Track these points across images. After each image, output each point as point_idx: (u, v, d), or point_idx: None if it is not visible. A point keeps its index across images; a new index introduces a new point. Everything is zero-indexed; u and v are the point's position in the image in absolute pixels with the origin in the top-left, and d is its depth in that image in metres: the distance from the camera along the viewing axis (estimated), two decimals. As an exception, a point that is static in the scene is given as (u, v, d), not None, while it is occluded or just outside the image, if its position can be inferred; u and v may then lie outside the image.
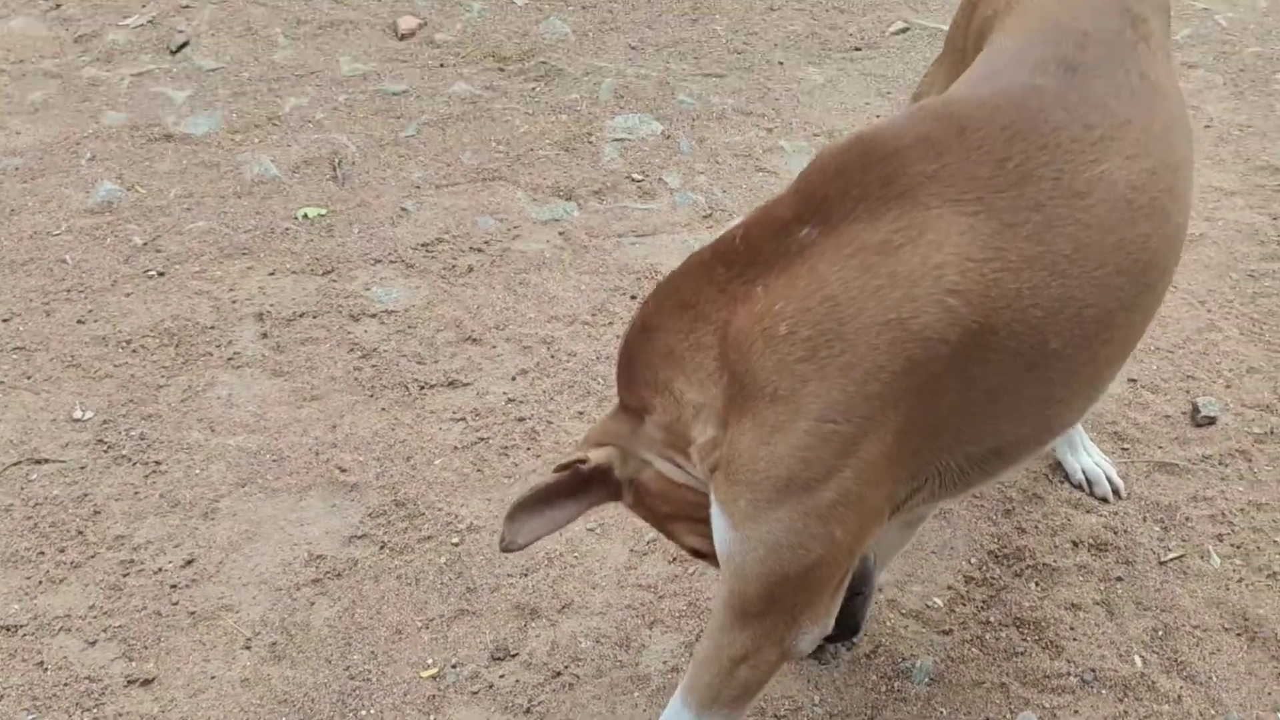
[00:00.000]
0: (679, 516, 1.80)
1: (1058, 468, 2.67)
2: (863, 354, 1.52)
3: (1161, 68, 1.84)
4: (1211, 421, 2.78)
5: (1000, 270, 1.55)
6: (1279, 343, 2.97)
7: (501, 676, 2.24)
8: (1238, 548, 2.52)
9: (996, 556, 2.50)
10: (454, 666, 2.26)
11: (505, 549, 1.77)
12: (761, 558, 1.60)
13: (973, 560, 2.49)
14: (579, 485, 1.77)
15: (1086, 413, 1.83)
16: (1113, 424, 2.77)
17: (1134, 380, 2.87)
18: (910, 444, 1.59)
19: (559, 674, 2.25)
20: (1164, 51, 1.89)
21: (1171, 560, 2.50)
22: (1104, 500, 2.64)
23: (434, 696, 2.21)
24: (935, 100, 1.75)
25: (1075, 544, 2.53)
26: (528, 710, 2.19)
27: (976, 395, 1.61)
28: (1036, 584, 2.45)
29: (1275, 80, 3.81)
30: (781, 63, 3.77)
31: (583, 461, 1.75)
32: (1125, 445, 2.73)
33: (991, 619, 2.38)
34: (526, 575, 2.43)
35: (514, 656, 2.28)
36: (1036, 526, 2.56)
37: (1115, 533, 2.55)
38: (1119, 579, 2.46)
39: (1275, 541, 2.53)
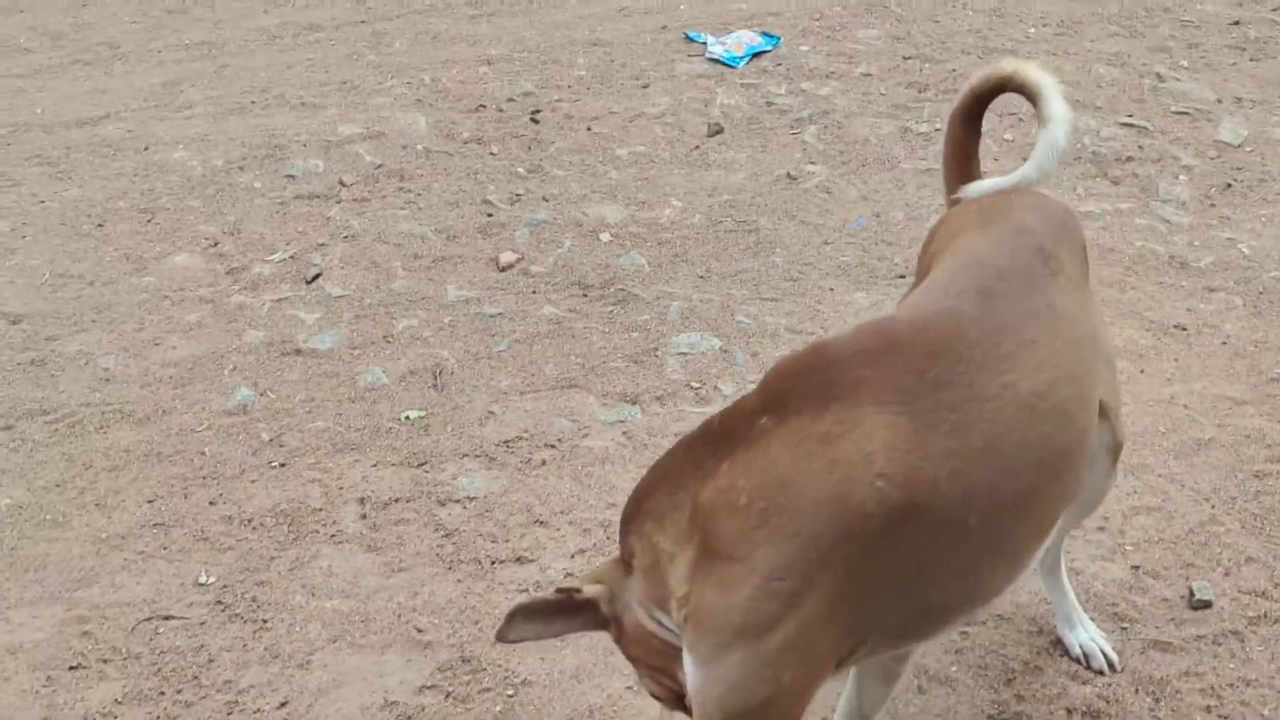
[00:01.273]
0: (644, 660, 2.13)
1: (1058, 642, 2.93)
2: (806, 524, 1.87)
3: (1070, 296, 2.23)
4: (1207, 605, 3.01)
5: (921, 459, 1.90)
6: (1278, 536, 3.21)
7: (541, 809, 2.57)
8: (1224, 718, 2.73)
9: (995, 720, 2.75)
10: (500, 799, 2.60)
11: (498, 639, 2.13)
12: (720, 695, 1.92)
13: (972, 723, 2.74)
14: (573, 610, 2.12)
15: (1012, 583, 2.14)
16: (1113, 605, 3.03)
17: (1136, 567, 3.13)
18: (849, 602, 1.91)
19: (592, 809, 2.57)
20: (1075, 284, 2.29)
21: (1160, 729, 2.72)
22: (1099, 673, 2.87)
23: (480, 823, 2.54)
24: (878, 319, 2.16)
25: (1069, 711, 2.77)
26: (561, 837, 2.50)
27: (907, 563, 1.94)
28: (1031, 746, 2.69)
29: (1299, 302, 4.12)
30: (832, 289, 4.23)
31: (577, 591, 2.12)
32: (1124, 625, 2.98)
33: (986, 776, 2.62)
34: (570, 723, 2.77)
35: (553, 792, 2.61)
36: (1035, 694, 2.81)
37: (1108, 702, 2.78)
38: (1108, 744, 2.69)
39: (1262, 714, 2.73)
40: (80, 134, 5.69)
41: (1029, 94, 2.46)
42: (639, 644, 2.13)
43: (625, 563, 2.11)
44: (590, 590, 2.13)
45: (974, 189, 2.53)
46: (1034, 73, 2.45)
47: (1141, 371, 3.84)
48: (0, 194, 5.16)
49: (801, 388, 1.96)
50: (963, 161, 2.69)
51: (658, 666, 2.10)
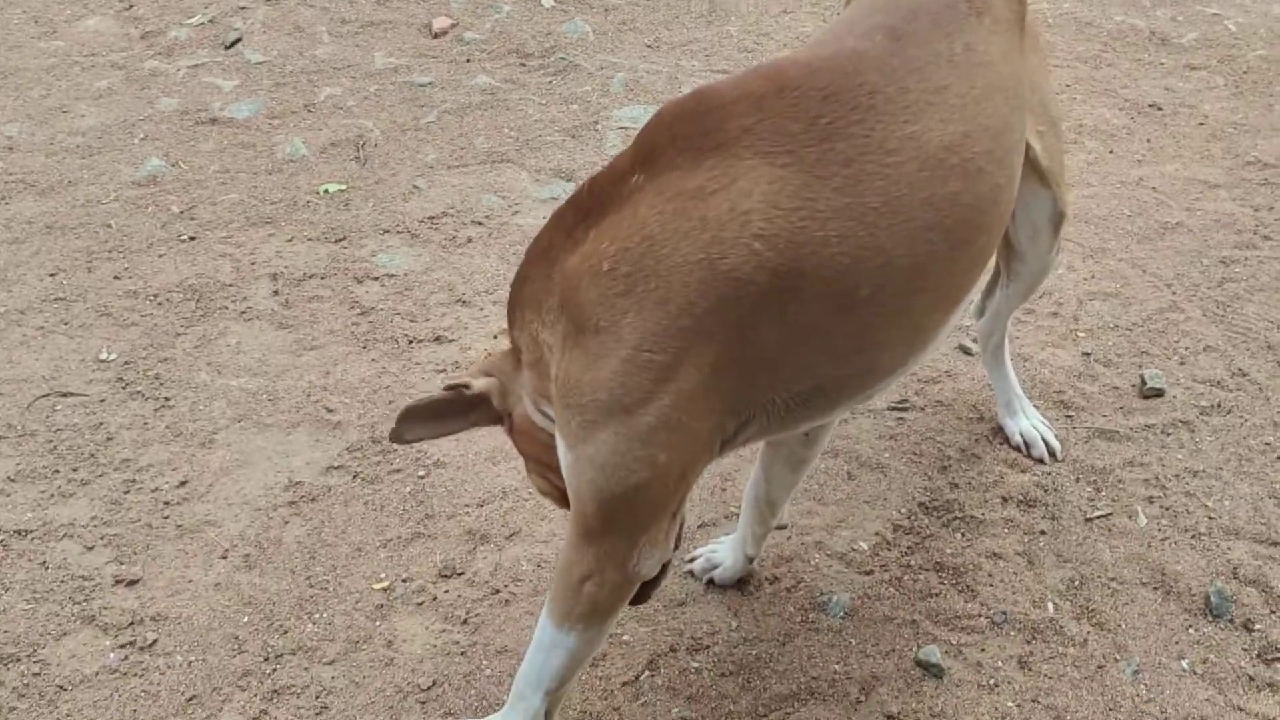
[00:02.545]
0: (533, 455, 1.98)
1: (999, 430, 2.80)
2: (676, 290, 1.67)
3: (995, 39, 1.96)
4: (1159, 394, 2.87)
5: (806, 219, 1.68)
6: (1240, 325, 3.04)
7: (446, 591, 2.45)
8: (1166, 509, 2.61)
9: (926, 508, 2.63)
10: (404, 581, 2.48)
11: (392, 439, 1.97)
12: (591, 478, 1.76)
13: (903, 510, 2.62)
14: (465, 406, 1.96)
15: (915, 359, 1.95)
16: (1060, 393, 2.88)
17: (1088, 354, 2.98)
18: (729, 377, 1.73)
19: (498, 591, 2.45)
20: (1003, 26, 2.01)
21: (1098, 518, 2.60)
22: (1040, 461, 2.75)
23: (382, 606, 2.43)
24: (769, 61, 1.91)
25: (1005, 499, 2.65)
26: (465, 621, 2.39)
27: (792, 335, 1.74)
28: (962, 534, 2.57)
29: (1278, 82, 3.87)
30: (790, 61, 3.96)
31: (466, 387, 1.94)
32: (1070, 413, 2.84)
33: (912, 563, 2.51)
34: (482, 506, 2.64)
35: (460, 575, 2.49)
36: (970, 482, 2.69)
37: (1045, 490, 2.66)
38: (1043, 532, 2.57)
39: (1206, 505, 2.62)
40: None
41: None
42: (526, 438, 1.98)
43: (515, 354, 1.94)
44: (480, 384, 1.97)
45: None
46: None
47: (1111, 152, 3.62)
48: (-98, -49, 4.80)
49: (678, 139, 1.72)
50: None
51: (545, 462, 1.94)
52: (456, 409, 1.97)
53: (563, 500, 1.96)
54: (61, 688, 2.28)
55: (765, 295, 1.69)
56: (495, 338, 3.03)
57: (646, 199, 1.71)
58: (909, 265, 1.77)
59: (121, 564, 2.52)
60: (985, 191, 1.84)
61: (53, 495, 2.67)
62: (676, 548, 2.04)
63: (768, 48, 4.02)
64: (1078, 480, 2.68)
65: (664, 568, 1.98)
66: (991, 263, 2.49)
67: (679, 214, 1.69)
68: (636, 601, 2.00)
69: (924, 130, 1.77)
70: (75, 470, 2.73)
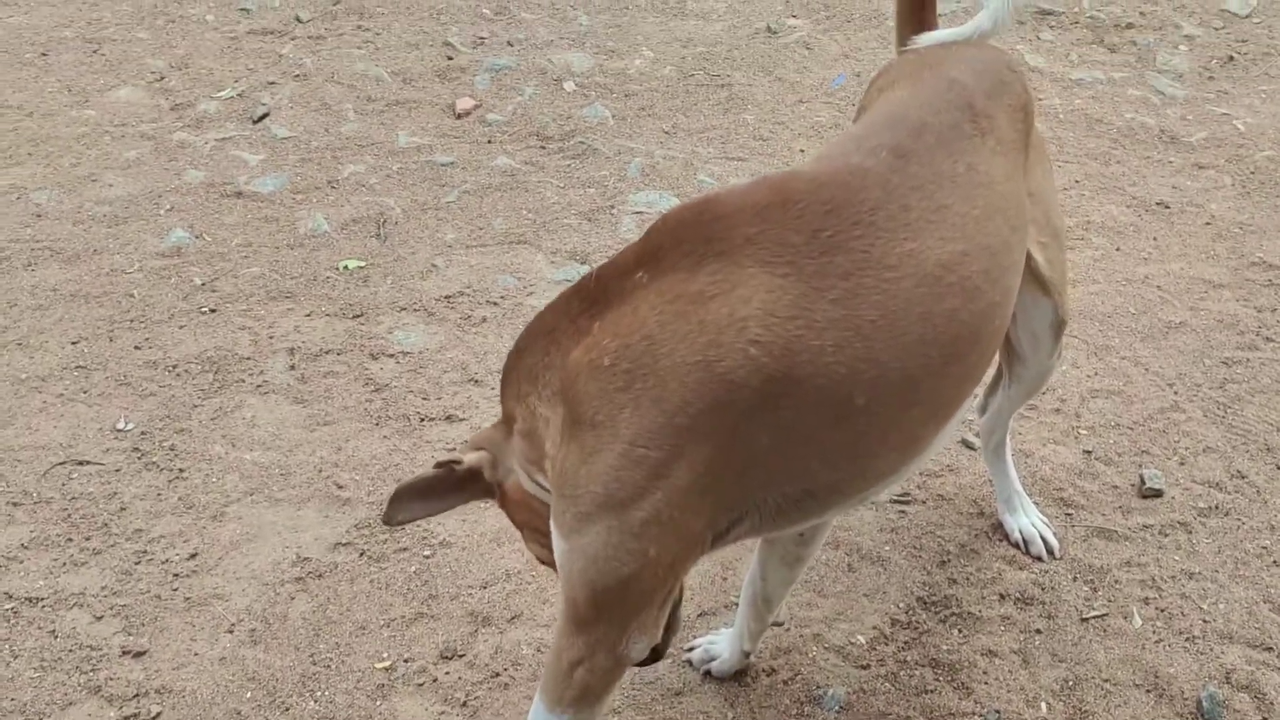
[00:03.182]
0: (528, 525, 2.02)
1: (999, 526, 2.83)
2: (673, 390, 1.71)
3: (998, 159, 2.02)
4: (1157, 494, 2.90)
5: (803, 328, 1.73)
6: (1240, 426, 3.08)
7: (446, 673, 2.48)
8: (1162, 611, 2.63)
9: (925, 603, 2.65)
10: (405, 661, 2.51)
11: (385, 522, 2.02)
12: (583, 568, 1.79)
13: (901, 605, 2.65)
14: (457, 482, 2.00)
15: (908, 468, 1.99)
16: (1060, 490, 2.91)
17: (1089, 452, 3.01)
18: (722, 476, 1.77)
19: (498, 674, 2.48)
20: (1007, 146, 2.07)
21: (1093, 618, 2.62)
22: (1038, 559, 2.77)
23: (383, 685, 2.46)
24: (778, 173, 1.98)
25: (1002, 596, 2.67)
26: (464, 704, 2.42)
27: (786, 439, 1.79)
28: (959, 630, 2.60)
29: (1291, 184, 3.93)
30: (803, 150, 4.03)
31: (457, 463, 1.99)
32: (1069, 511, 2.87)
33: (909, 659, 2.53)
34: (485, 588, 2.67)
35: (461, 657, 2.52)
36: (968, 578, 2.71)
37: (1043, 589, 2.69)
38: (1038, 631, 2.60)
39: (1201, 608, 2.64)
40: (33, -43, 5.44)
41: None
42: (521, 508, 2.01)
43: (507, 424, 1.99)
44: (471, 459, 2.01)
45: (925, 39, 2.31)
46: None
47: (1118, 249, 3.67)
48: (-56, 17, 4.95)
49: (682, 241, 1.78)
50: (917, 8, 2.45)
51: (541, 529, 1.98)
52: (448, 486, 2.02)
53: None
54: (65, 759, 2.32)
55: (760, 400, 1.74)
56: (505, 418, 3.09)
57: (649, 298, 1.77)
58: (904, 377, 1.81)
59: (129, 635, 2.56)
60: (981, 309, 1.89)
61: (65, 564, 2.72)
62: (674, 633, 2.08)
63: (782, 137, 4.10)
64: (1075, 579, 2.71)
65: (667, 639, 2.03)
66: (991, 369, 2.54)
67: (679, 316, 1.74)
68: (645, 663, 2.04)
69: (923, 248, 1.82)
70: (88, 539, 2.79)
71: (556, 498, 1.83)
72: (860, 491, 1.94)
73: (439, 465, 1.99)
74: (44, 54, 4.63)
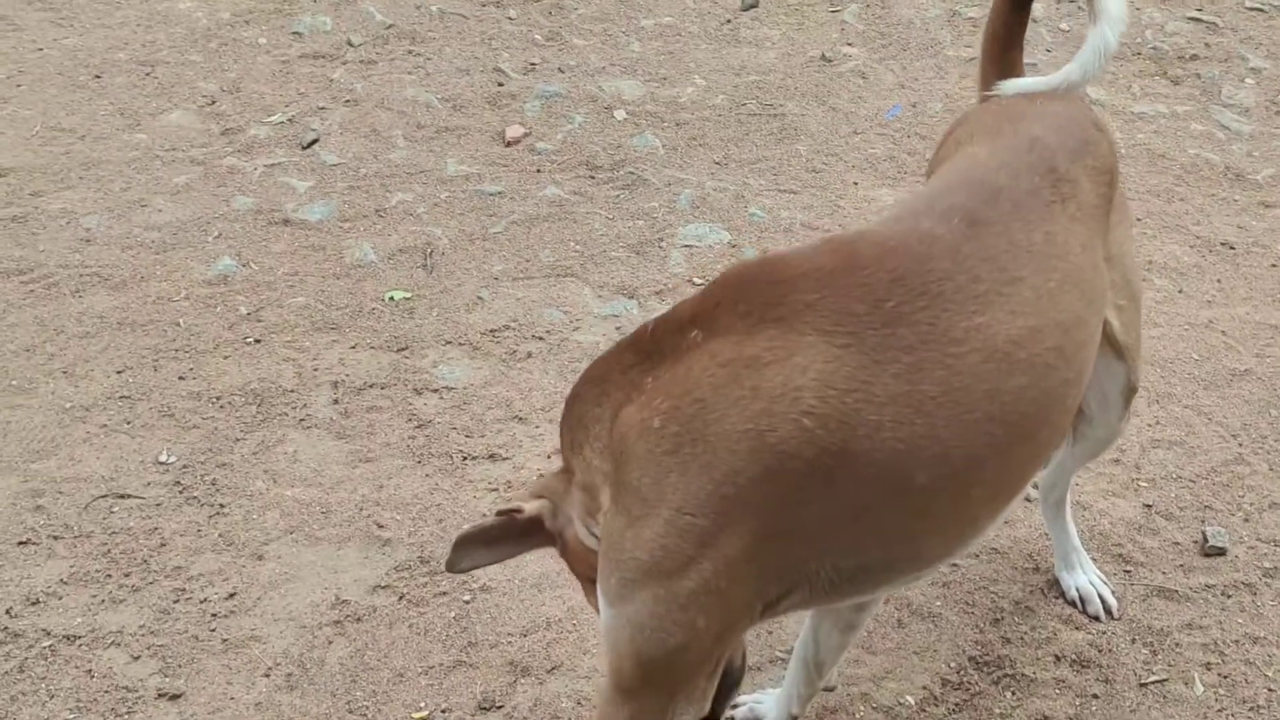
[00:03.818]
0: (586, 578, 1.96)
1: (1055, 583, 2.74)
2: (722, 457, 1.66)
3: (1077, 227, 1.94)
4: (1220, 552, 2.80)
5: (861, 402, 1.67)
6: (1308, 482, 2.97)
7: (485, 725, 2.44)
8: (1224, 678, 2.54)
9: (977, 663, 2.57)
10: (443, 711, 2.46)
11: (448, 569, 1.98)
12: (629, 637, 1.75)
13: (952, 664, 2.57)
14: (518, 530, 1.96)
15: (966, 546, 1.92)
16: (1119, 546, 2.82)
17: (1149, 506, 2.92)
18: (771, 548, 1.71)
19: (536, 728, 2.44)
20: (1088, 212, 1.99)
21: (1153, 683, 2.53)
22: (1095, 619, 2.68)
23: (420, 736, 2.42)
24: (844, 234, 1.92)
25: (1058, 658, 2.59)
26: (501, 758, 2.38)
27: (839, 513, 1.73)
28: (1012, 693, 2.52)
29: (1362, 225, 3.81)
30: (856, 183, 3.96)
31: (518, 511, 1.94)
32: (1128, 568, 2.78)
33: (960, 721, 2.46)
34: (525, 635, 2.62)
35: (499, 708, 2.47)
36: (1022, 637, 2.63)
37: (1100, 651, 2.60)
38: (1095, 696, 2.51)
39: (1266, 675, 2.54)
40: (89, -23, 5.47)
41: None
42: (580, 559, 1.96)
43: (567, 474, 1.94)
44: (531, 508, 1.96)
45: (1008, 86, 2.22)
46: None
47: (1180, 291, 3.57)
48: None
49: (740, 302, 1.72)
50: (1003, 51, 2.37)
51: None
52: (510, 534, 1.97)
53: None
54: (98, 804, 2.29)
55: (812, 472, 1.68)
56: (549, 457, 3.04)
57: (702, 359, 1.71)
58: (967, 456, 1.74)
59: (166, 677, 2.53)
60: (1053, 386, 1.82)
61: (104, 600, 2.70)
62: (728, 698, 2.02)
63: (835, 169, 4.03)
64: (1134, 641, 2.62)
65: (720, 705, 1.97)
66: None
67: (732, 380, 1.68)
68: None
69: (992, 322, 1.75)
70: (127, 576, 2.76)
71: (603, 561, 1.78)
72: (917, 570, 1.88)
73: (501, 513, 1.95)
74: (98, 76, 4.65)
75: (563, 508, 1.94)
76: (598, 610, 2.05)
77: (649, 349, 1.78)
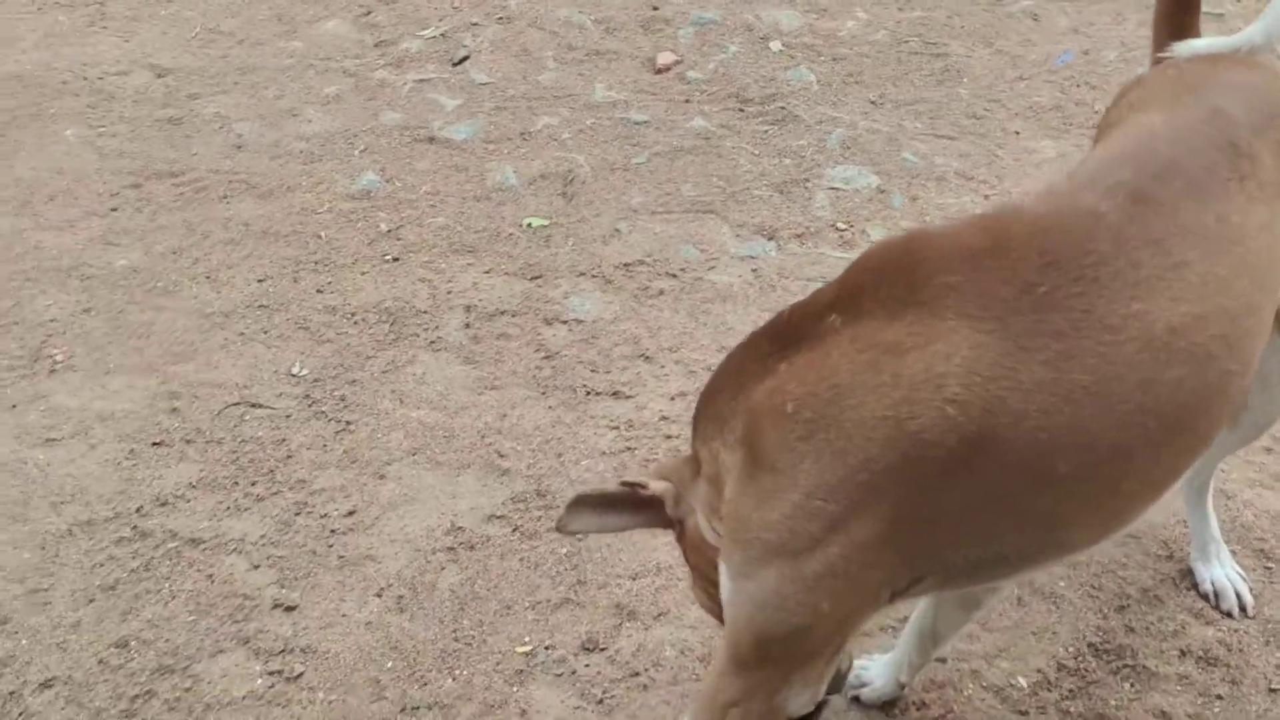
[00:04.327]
0: (700, 569, 1.94)
1: (1188, 573, 2.61)
2: (857, 444, 1.60)
3: (1257, 208, 1.79)
4: (1375, 557, 2.63)
5: (1007, 389, 1.58)
6: None
7: (586, 665, 2.44)
8: (1365, 694, 2.40)
9: (1097, 649, 2.47)
10: (547, 648, 2.47)
11: (558, 528, 1.96)
12: (750, 614, 1.72)
13: (1070, 649, 2.47)
14: (637, 505, 1.93)
15: (1109, 539, 1.83)
16: (1261, 541, 2.67)
17: (1300, 500, 2.76)
18: (904, 535, 1.65)
19: (638, 674, 2.42)
20: (1272, 191, 1.82)
21: (1285, 689, 2.41)
22: (1228, 615, 2.55)
23: (521, 671, 2.43)
24: (996, 210, 1.81)
25: (1183, 653, 2.47)
26: (600, 701, 2.37)
27: (977, 502, 1.65)
28: (1131, 684, 2.41)
29: None
30: (1018, 132, 3.78)
31: (643, 487, 1.92)
32: (1269, 565, 2.63)
33: (1073, 709, 2.37)
34: (635, 579, 2.61)
35: (602, 650, 2.47)
36: (1148, 628, 2.52)
37: (1230, 650, 2.47)
38: (1219, 697, 2.39)
39: None
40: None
41: None
42: (695, 551, 1.94)
43: (695, 464, 1.90)
44: (656, 487, 1.94)
45: (1184, 48, 2.07)
46: None
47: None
48: (171, -63, 5.06)
49: (882, 285, 1.65)
50: (1179, 8, 2.20)
51: (710, 578, 1.89)
52: (627, 506, 1.95)
53: (721, 619, 1.92)
54: (209, 706, 2.36)
55: (952, 461, 1.61)
56: (672, 399, 3.00)
57: (841, 344, 1.65)
58: (1116, 448, 1.65)
59: (282, 588, 2.59)
60: (1214, 378, 1.70)
61: (229, 508, 2.77)
62: (838, 690, 1.98)
63: (997, 116, 3.86)
64: (1267, 643, 2.48)
65: (820, 705, 1.93)
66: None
67: (871, 366, 1.62)
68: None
69: (1152, 309, 1.64)
70: (253, 484, 2.83)
71: (728, 539, 1.75)
72: (1053, 560, 1.80)
73: (624, 484, 1.92)
74: (260, -20, 4.71)
75: (686, 496, 1.91)
76: (701, 604, 2.03)
77: (786, 336, 1.71)
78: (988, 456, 1.61)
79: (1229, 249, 1.73)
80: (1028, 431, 1.60)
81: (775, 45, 4.21)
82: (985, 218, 1.74)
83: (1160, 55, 2.16)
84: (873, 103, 3.95)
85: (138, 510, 2.74)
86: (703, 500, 1.87)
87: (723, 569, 1.77)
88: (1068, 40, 4.20)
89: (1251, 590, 2.56)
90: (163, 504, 2.76)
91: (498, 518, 2.75)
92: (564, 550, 2.67)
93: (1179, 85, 2.01)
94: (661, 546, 2.68)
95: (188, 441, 2.93)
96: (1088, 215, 1.69)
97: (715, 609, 1.95)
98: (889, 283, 1.65)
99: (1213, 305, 1.68)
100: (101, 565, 2.62)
